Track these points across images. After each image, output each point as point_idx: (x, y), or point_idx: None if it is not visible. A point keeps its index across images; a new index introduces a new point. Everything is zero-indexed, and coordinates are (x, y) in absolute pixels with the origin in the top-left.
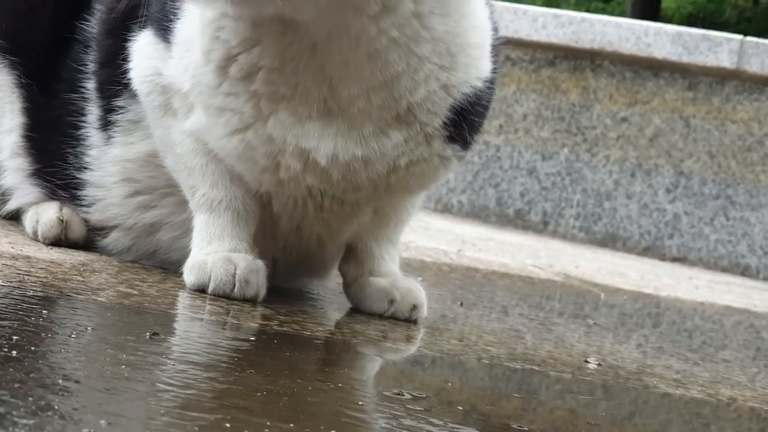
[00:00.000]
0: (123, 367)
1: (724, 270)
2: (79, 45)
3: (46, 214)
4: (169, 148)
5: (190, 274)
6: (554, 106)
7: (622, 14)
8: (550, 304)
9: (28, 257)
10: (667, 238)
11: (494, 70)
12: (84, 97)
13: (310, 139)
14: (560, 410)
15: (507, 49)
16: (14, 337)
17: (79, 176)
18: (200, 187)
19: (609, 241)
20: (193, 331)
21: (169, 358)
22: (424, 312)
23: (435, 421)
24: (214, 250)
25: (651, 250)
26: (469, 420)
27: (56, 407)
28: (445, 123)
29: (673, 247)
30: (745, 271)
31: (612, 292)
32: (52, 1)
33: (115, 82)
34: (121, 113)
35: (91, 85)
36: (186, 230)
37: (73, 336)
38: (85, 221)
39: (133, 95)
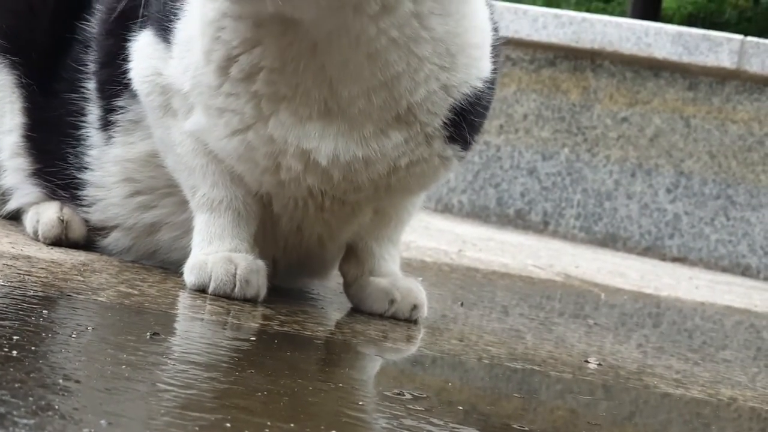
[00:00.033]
0: (123, 367)
1: (724, 270)
2: (80, 45)
3: (46, 214)
4: (170, 148)
5: (190, 274)
6: (555, 106)
7: (622, 14)
8: (551, 304)
9: (29, 257)
10: (667, 238)
11: (494, 71)
12: (84, 97)
13: (310, 140)
14: (561, 410)
15: (507, 49)
16: (15, 337)
17: (79, 176)
18: (201, 187)
19: (609, 241)
20: (193, 331)
21: (170, 358)
22: (424, 312)
23: (435, 421)
24: (214, 250)
25: (651, 250)
26: (470, 420)
27: (57, 407)
28: (445, 123)
29: (673, 247)
30: (745, 271)
31: (612, 292)
32: (52, 1)
33: (115, 82)
34: (122, 113)
35: (91, 85)
36: (186, 230)
37: (73, 336)
38: (86, 221)
39: (134, 95)
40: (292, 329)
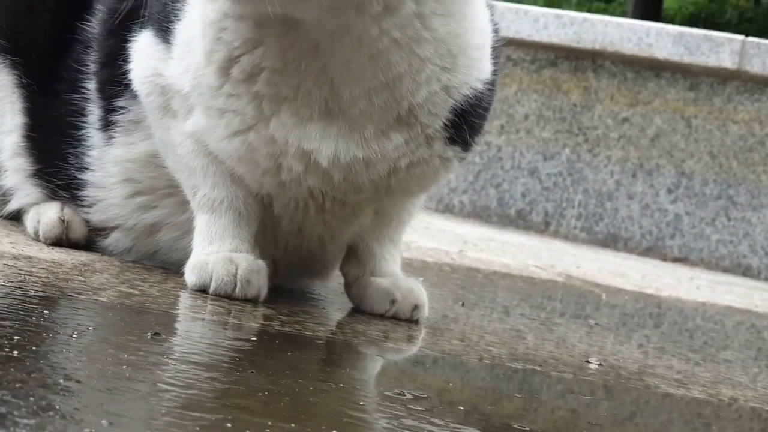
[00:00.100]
0: (124, 367)
1: (725, 270)
2: (80, 45)
3: (47, 214)
4: (170, 148)
5: (191, 274)
6: (556, 106)
7: (623, 14)
8: (552, 305)
9: (30, 257)
10: (668, 238)
11: (495, 72)
12: (85, 98)
13: (311, 141)
14: (561, 410)
15: (508, 49)
16: (15, 337)
17: (79, 177)
18: (201, 188)
19: (610, 242)
20: (194, 331)
21: (171, 358)
22: (425, 312)
23: (436, 421)
24: (215, 251)
25: (652, 251)
26: (471, 420)
27: (57, 407)
28: (445, 124)
29: (674, 248)
30: (746, 272)
31: (613, 292)
32: (52, 1)
33: (115, 83)
34: (122, 113)
35: (91, 85)
36: (187, 231)
37: (74, 336)
38: (86, 222)
39: (134, 96)
40: (293, 329)
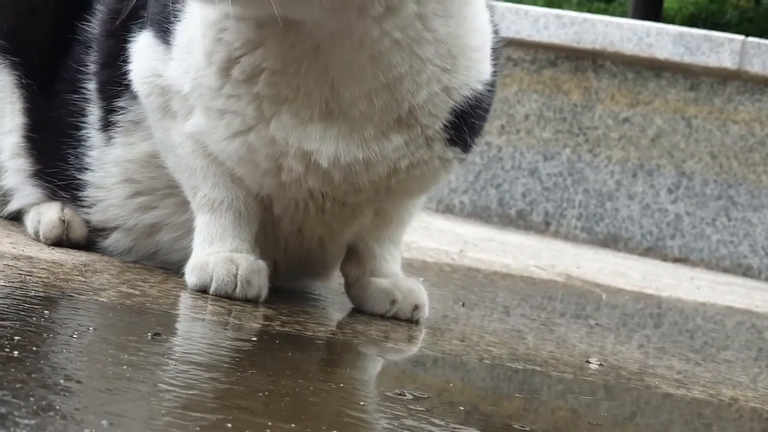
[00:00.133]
0: (125, 367)
1: (725, 270)
2: (80, 45)
3: (47, 215)
4: (170, 149)
5: (191, 274)
6: (556, 106)
7: (623, 15)
8: (552, 305)
9: (30, 257)
10: (668, 238)
11: (494, 73)
12: (85, 98)
13: (311, 142)
14: (562, 410)
15: (509, 49)
16: (16, 338)
17: (79, 177)
18: (201, 188)
19: (611, 242)
20: (194, 331)
21: (171, 359)
22: (425, 312)
23: (436, 421)
24: (215, 251)
25: (653, 251)
26: (471, 420)
27: (58, 407)
28: (445, 126)
29: (674, 248)
30: (746, 272)
31: (614, 292)
32: (52, 1)
33: (116, 83)
34: (122, 114)
35: (91, 85)
36: (187, 231)
37: (74, 336)
38: (86, 222)
39: (134, 96)
40: (293, 330)
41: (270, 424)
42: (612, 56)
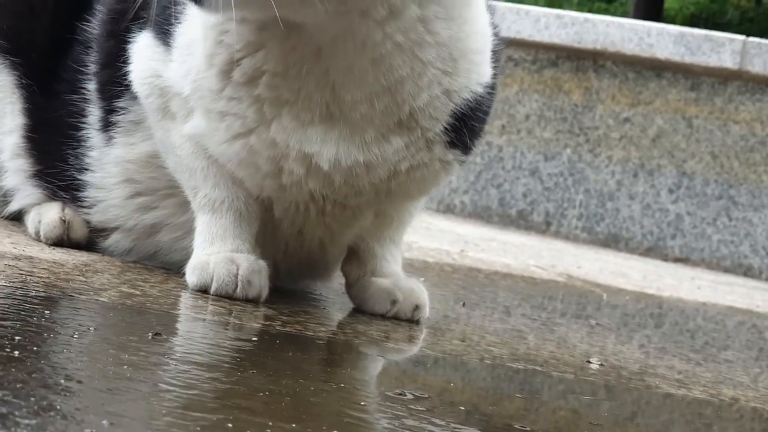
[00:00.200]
0: (125, 367)
1: (726, 270)
2: (80, 46)
3: (48, 215)
4: (170, 149)
5: (192, 274)
6: (557, 106)
7: (624, 15)
8: (553, 305)
9: (31, 257)
10: (669, 238)
11: (495, 76)
12: (85, 98)
13: (312, 144)
14: (562, 410)
15: (510, 49)
16: (16, 338)
17: (79, 177)
18: (202, 188)
19: (611, 242)
20: (195, 331)
21: (172, 359)
22: (426, 312)
23: (437, 421)
24: (216, 251)
25: (653, 251)
26: (472, 420)
27: (58, 407)
28: (446, 128)
29: (675, 248)
30: (747, 272)
31: (614, 292)
32: (52, 2)
33: (116, 83)
34: (122, 114)
35: (92, 86)
36: (187, 231)
37: (75, 336)
38: (87, 223)
39: (134, 96)
40: (294, 330)
41: (271, 424)
42: (613, 56)
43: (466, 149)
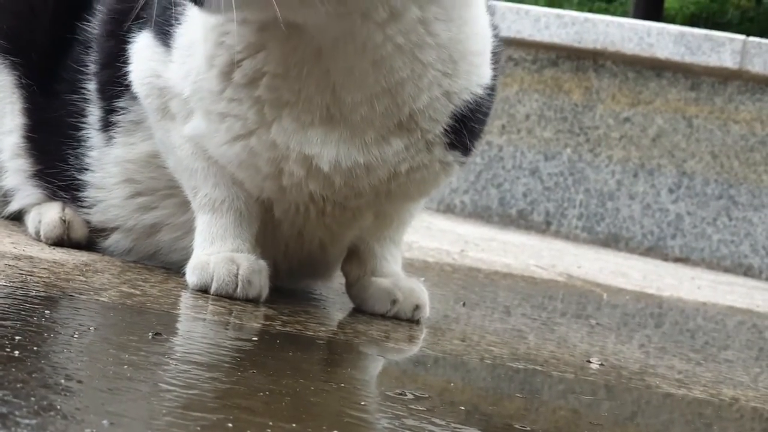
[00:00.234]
0: (125, 367)
1: (726, 270)
2: (80, 46)
3: (48, 215)
4: (170, 149)
5: (192, 274)
6: (557, 106)
7: (624, 14)
8: (553, 305)
9: (31, 257)
10: (669, 238)
11: (494, 77)
12: (85, 98)
13: (313, 146)
14: (563, 410)
15: (510, 49)
16: (17, 337)
17: (79, 177)
18: (202, 188)
19: (611, 242)
20: (195, 331)
21: (172, 358)
22: (426, 312)
23: (437, 421)
24: (216, 251)
25: (653, 251)
26: (472, 420)
27: (58, 407)
28: (446, 130)
29: (675, 248)
30: (747, 272)
31: (614, 292)
32: (52, 1)
33: (116, 83)
34: (123, 114)
35: (92, 86)
36: (187, 231)
37: (75, 336)
38: (86, 223)
39: (135, 96)
40: (294, 329)
41: (271, 423)
42: (613, 56)
43: (466, 150)
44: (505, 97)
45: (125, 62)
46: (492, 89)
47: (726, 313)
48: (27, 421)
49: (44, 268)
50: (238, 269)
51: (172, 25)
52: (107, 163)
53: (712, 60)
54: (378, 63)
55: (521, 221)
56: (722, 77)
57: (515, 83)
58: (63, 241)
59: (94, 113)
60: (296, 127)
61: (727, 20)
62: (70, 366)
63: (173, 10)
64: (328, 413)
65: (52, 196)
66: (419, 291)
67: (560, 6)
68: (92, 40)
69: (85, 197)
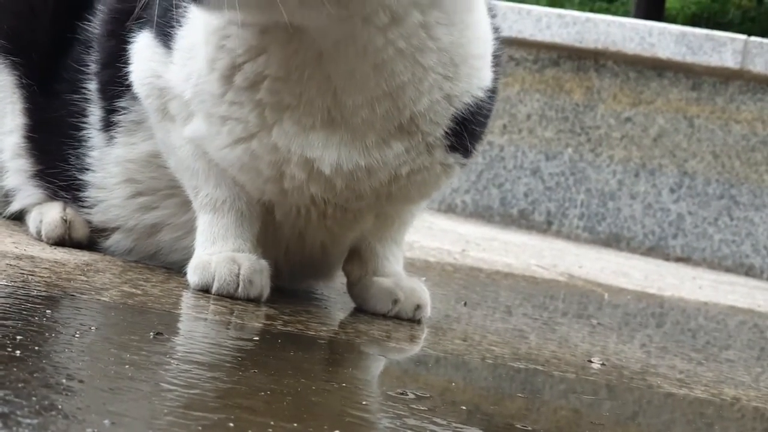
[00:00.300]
0: (127, 366)
1: (728, 270)
2: (81, 45)
3: (49, 214)
4: (171, 150)
5: (193, 274)
6: (558, 106)
7: (626, 14)
8: (554, 304)
9: (32, 257)
10: (671, 238)
11: (495, 80)
12: (86, 98)
13: (314, 149)
14: (564, 410)
15: (511, 49)
16: (18, 337)
17: (80, 177)
18: (203, 188)
19: (613, 241)
20: (196, 330)
21: (173, 358)
22: (427, 312)
23: (439, 420)
24: (217, 250)
25: (655, 250)
26: (473, 420)
27: (60, 407)
28: (446, 132)
29: (677, 247)
30: (748, 271)
31: (616, 292)
32: (53, 1)
33: (117, 83)
34: (123, 114)
35: (92, 85)
36: (187, 231)
37: (76, 336)
38: (88, 222)
39: (135, 96)
40: (295, 329)
41: (272, 423)
42: (614, 56)
43: (467, 153)
44: (506, 97)
45: (126, 62)
46: (493, 92)
47: (727, 312)
48: (28, 420)
49: (45, 268)
50: (239, 269)
51: (173, 26)
52: (108, 163)
53: (714, 60)
54: (379, 66)
55: (522, 221)
56: (723, 77)
57: (516, 83)
58: (64, 240)
59: (94, 113)
60: (297, 131)
61: (729, 20)
62: (72, 365)
63: (174, 12)
64: (330, 413)
65: (53, 196)
66: (420, 291)
67: (561, 6)
68: (93, 39)
69: (86, 197)
